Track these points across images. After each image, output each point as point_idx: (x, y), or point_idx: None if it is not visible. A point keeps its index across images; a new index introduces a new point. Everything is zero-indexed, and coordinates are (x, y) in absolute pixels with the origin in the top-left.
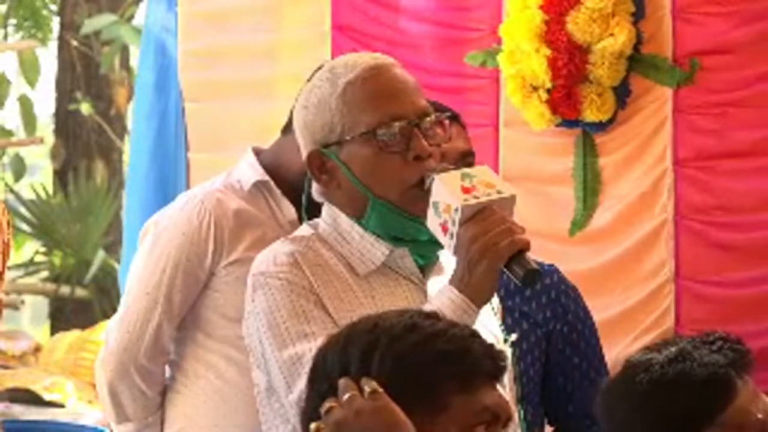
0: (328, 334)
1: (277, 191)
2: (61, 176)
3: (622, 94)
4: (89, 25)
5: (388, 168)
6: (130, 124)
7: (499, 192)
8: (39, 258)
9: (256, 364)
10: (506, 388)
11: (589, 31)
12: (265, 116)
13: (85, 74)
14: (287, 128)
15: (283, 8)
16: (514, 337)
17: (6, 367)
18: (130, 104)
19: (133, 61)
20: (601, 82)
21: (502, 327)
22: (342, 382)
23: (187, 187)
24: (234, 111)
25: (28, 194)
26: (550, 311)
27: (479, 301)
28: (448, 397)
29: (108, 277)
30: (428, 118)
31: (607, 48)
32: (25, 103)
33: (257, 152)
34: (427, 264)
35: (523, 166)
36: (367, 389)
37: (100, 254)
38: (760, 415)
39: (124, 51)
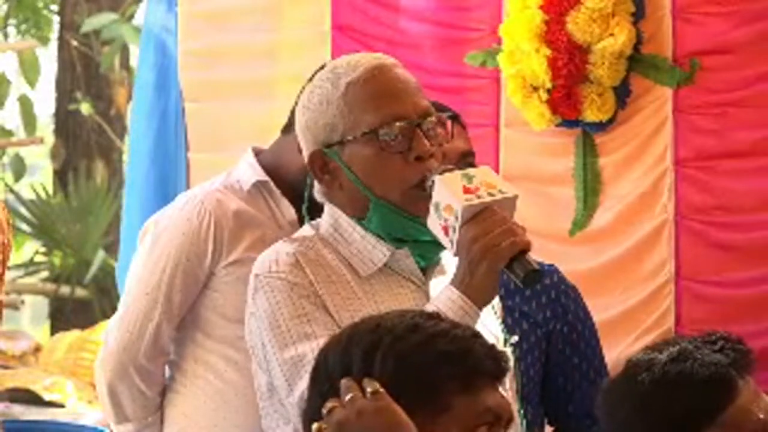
0: (330, 334)
1: (277, 191)
2: (61, 176)
3: (622, 94)
4: (89, 24)
5: (390, 168)
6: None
7: (500, 192)
8: (39, 258)
9: (258, 364)
10: (507, 389)
11: (589, 31)
12: (265, 116)
13: (85, 74)
14: (287, 128)
15: (283, 8)
16: (515, 338)
17: (6, 367)
18: (130, 104)
19: (133, 61)
20: (601, 82)
21: (503, 327)
22: (344, 382)
23: (187, 187)
24: (234, 111)
25: (28, 194)
26: (550, 311)
27: (480, 301)
28: (450, 398)
29: (108, 277)
30: (430, 119)
31: (607, 48)
32: (25, 103)
33: (257, 152)
34: (428, 265)
35: (524, 166)
36: (369, 390)
37: (100, 254)
38: (761, 415)
39: (124, 51)
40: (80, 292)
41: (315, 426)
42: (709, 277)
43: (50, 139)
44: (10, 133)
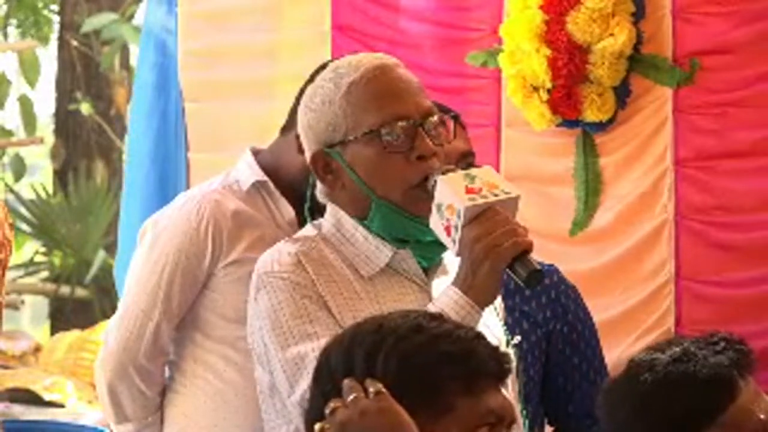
0: (332, 334)
1: (276, 191)
2: (61, 176)
3: (622, 94)
4: (89, 24)
5: (391, 168)
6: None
7: (503, 192)
8: (39, 258)
9: (259, 363)
10: (509, 390)
11: (589, 31)
12: (265, 116)
13: (85, 74)
14: (286, 128)
15: (283, 8)
16: (517, 339)
17: (6, 367)
18: (129, 104)
19: (133, 61)
20: (601, 82)
21: (505, 328)
22: (346, 382)
23: (187, 187)
24: (234, 111)
25: (28, 194)
26: (550, 311)
27: (483, 302)
28: (453, 399)
29: (108, 277)
30: (432, 118)
31: (607, 48)
32: (25, 103)
33: (255, 152)
34: (430, 265)
35: (524, 166)
36: (371, 390)
37: (101, 254)
38: (762, 415)
39: (124, 50)
40: (80, 292)
41: (318, 426)
42: (709, 277)
43: (50, 139)
44: (10, 133)
